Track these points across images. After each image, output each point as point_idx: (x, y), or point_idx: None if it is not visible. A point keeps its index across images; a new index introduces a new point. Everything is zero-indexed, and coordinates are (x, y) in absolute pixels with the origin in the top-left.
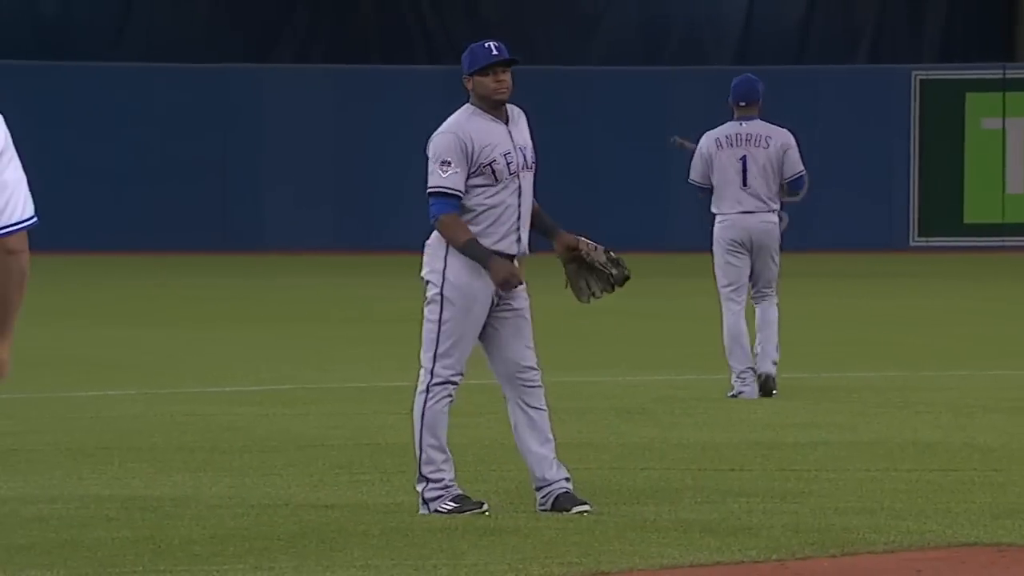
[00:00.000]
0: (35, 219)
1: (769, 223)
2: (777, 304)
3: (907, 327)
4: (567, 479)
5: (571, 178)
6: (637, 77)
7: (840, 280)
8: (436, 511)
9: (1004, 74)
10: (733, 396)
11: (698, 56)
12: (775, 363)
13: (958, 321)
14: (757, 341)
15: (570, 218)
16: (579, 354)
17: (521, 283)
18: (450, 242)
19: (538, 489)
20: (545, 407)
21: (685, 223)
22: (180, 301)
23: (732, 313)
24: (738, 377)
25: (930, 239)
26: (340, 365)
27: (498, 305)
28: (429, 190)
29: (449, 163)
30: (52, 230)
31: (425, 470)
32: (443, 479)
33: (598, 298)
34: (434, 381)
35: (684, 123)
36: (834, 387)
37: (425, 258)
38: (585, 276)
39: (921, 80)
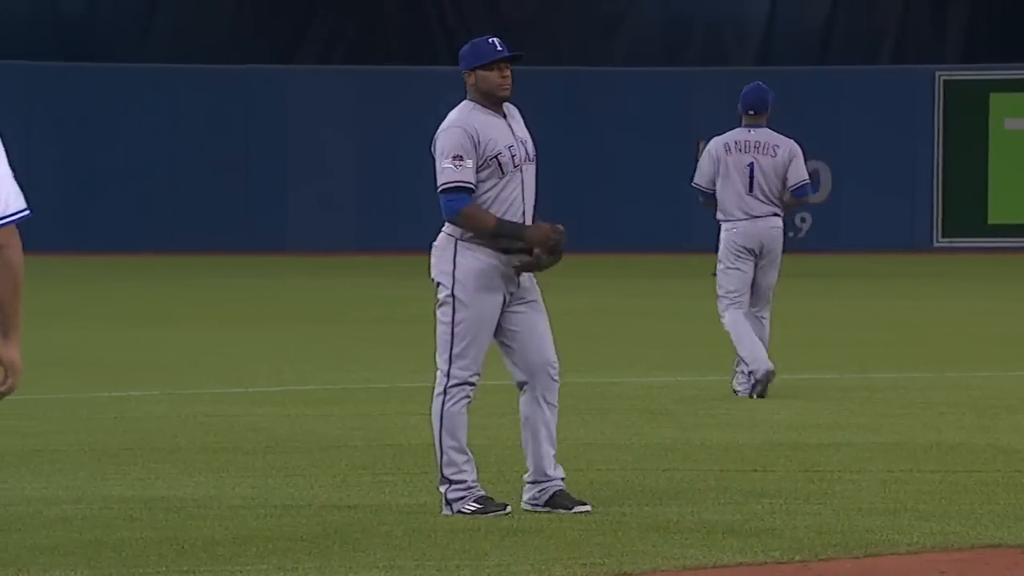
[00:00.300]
0: (26, 211)
1: (776, 228)
2: (770, 312)
3: (930, 328)
4: (563, 479)
5: (593, 178)
6: (659, 78)
7: (863, 281)
8: (459, 512)
9: None
10: (744, 392)
11: (720, 57)
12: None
13: (981, 322)
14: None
15: (591, 218)
16: (602, 355)
17: (561, 238)
18: (479, 231)
19: (534, 483)
20: (557, 404)
21: (707, 224)
22: (203, 302)
23: (735, 314)
24: (742, 373)
25: (954, 240)
26: (362, 366)
27: (510, 302)
28: (443, 186)
29: (460, 157)
30: (75, 231)
31: (447, 472)
32: (465, 480)
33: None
34: (451, 383)
35: (706, 124)
36: (857, 388)
37: (433, 259)
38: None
39: (945, 80)
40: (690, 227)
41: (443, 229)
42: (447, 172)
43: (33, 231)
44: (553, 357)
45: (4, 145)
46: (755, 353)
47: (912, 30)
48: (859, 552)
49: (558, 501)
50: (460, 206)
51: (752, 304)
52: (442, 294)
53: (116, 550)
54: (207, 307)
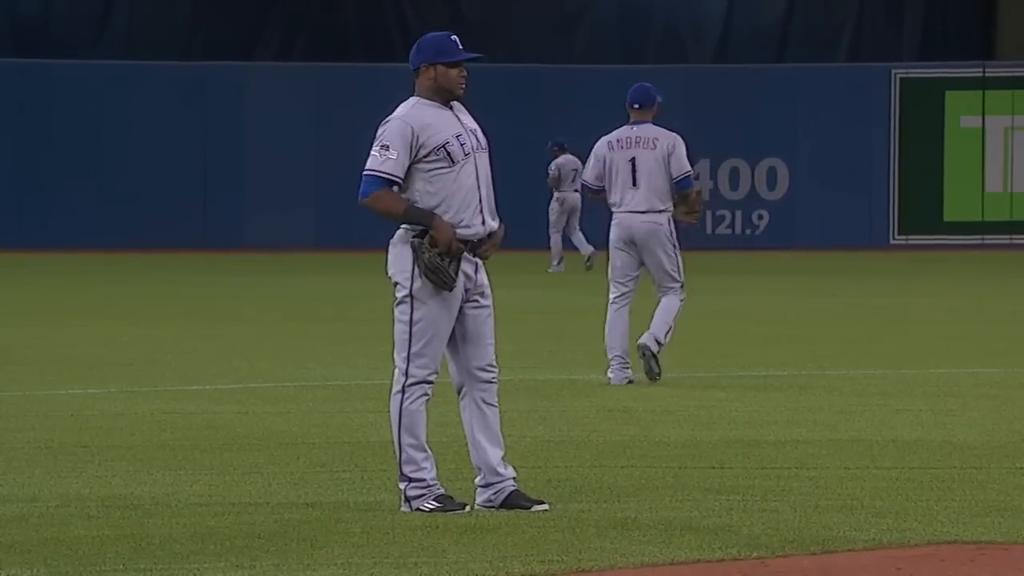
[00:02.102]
0: None
1: (653, 223)
2: (681, 298)
3: (887, 325)
4: (515, 478)
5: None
6: (617, 75)
7: (820, 278)
8: (418, 509)
9: (983, 72)
10: (610, 382)
11: (678, 54)
12: (658, 341)
13: (938, 319)
14: (650, 325)
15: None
16: (560, 353)
17: (462, 249)
18: (388, 214)
19: (487, 486)
20: (497, 404)
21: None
22: (160, 299)
23: (613, 305)
24: (611, 362)
25: (910, 237)
26: (320, 363)
27: (468, 300)
28: (364, 171)
29: (388, 147)
30: (32, 228)
31: (406, 469)
32: (425, 479)
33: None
34: (409, 381)
35: (664, 121)
36: (814, 385)
37: (391, 257)
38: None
39: (901, 78)
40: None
41: (401, 224)
42: (372, 159)
43: None
44: (492, 359)
45: None
46: (615, 341)
47: (868, 28)
48: (816, 548)
49: (514, 501)
50: (371, 189)
51: (657, 289)
52: (400, 293)
53: (73, 548)
54: (164, 304)
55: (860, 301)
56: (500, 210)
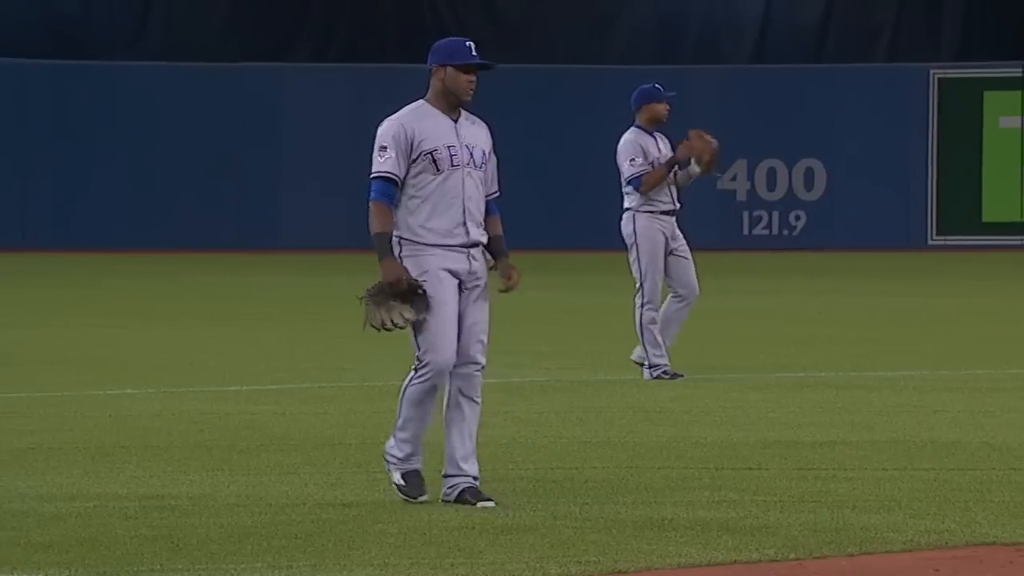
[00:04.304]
0: None
1: (623, 221)
2: (639, 304)
3: (925, 326)
4: (476, 478)
5: (586, 176)
6: (654, 76)
7: (858, 279)
8: (389, 472)
9: (1022, 72)
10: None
11: (715, 55)
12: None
13: (976, 320)
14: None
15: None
16: (597, 353)
17: (405, 288)
18: (371, 224)
19: (446, 476)
20: (479, 400)
21: (697, 222)
22: (197, 299)
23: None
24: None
25: (948, 238)
26: (357, 363)
27: (465, 289)
28: (371, 175)
29: (385, 148)
30: (68, 228)
31: (399, 434)
32: (405, 451)
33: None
34: (420, 365)
35: (700, 122)
36: (852, 386)
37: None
38: (387, 308)
39: (939, 79)
40: (685, 225)
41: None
42: (374, 163)
43: (27, 229)
44: (478, 353)
45: None
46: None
47: (907, 28)
48: (854, 550)
49: (463, 497)
50: (374, 197)
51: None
52: None
53: (110, 548)
54: (202, 305)
55: (898, 302)
56: (535, 210)
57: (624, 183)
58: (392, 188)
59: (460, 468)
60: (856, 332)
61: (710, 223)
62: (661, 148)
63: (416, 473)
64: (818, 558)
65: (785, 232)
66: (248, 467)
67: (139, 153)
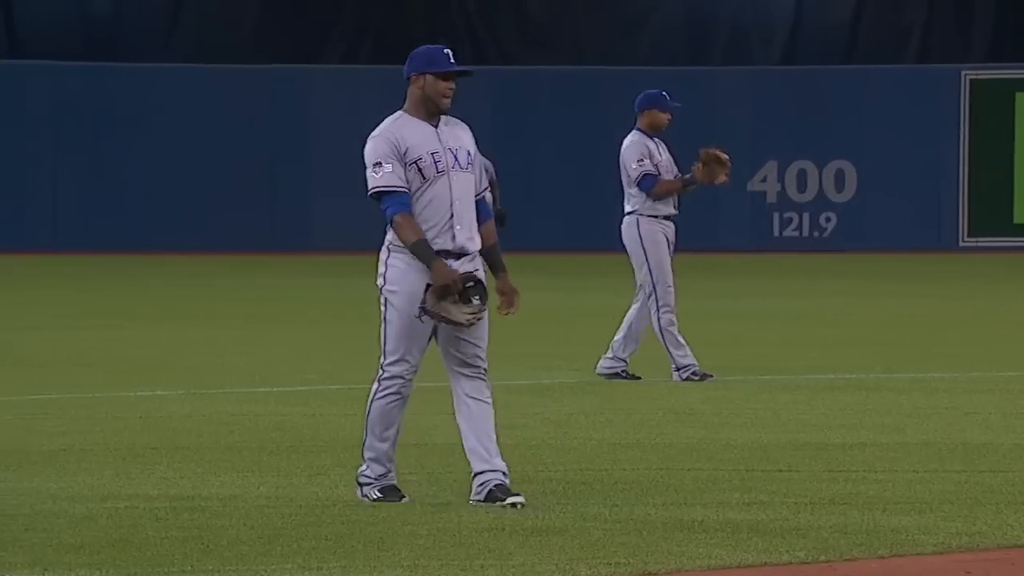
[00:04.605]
0: None
1: (625, 224)
2: (654, 311)
3: (956, 328)
4: (505, 473)
5: (616, 178)
6: (683, 77)
7: (889, 280)
8: (365, 496)
9: None
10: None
11: (745, 56)
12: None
13: (1007, 322)
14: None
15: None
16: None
17: (458, 294)
18: (402, 240)
19: (476, 475)
20: (489, 400)
21: (728, 224)
22: (228, 301)
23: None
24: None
25: (979, 239)
26: None
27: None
28: (369, 192)
29: (380, 164)
30: (98, 230)
31: (365, 454)
32: (378, 471)
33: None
34: (383, 375)
35: (731, 123)
36: (882, 388)
37: (379, 266)
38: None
39: (971, 80)
40: (716, 226)
41: (385, 235)
42: (370, 179)
43: (58, 231)
44: (477, 355)
45: None
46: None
47: (938, 29)
48: (885, 552)
49: (492, 496)
50: (392, 212)
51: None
52: (381, 295)
53: (141, 549)
54: (232, 307)
55: (929, 303)
56: (565, 212)
57: (631, 183)
58: (405, 197)
59: (489, 462)
60: (886, 334)
61: (741, 225)
62: (661, 153)
63: (392, 487)
64: (848, 560)
65: (816, 234)
66: (278, 468)
67: (170, 155)
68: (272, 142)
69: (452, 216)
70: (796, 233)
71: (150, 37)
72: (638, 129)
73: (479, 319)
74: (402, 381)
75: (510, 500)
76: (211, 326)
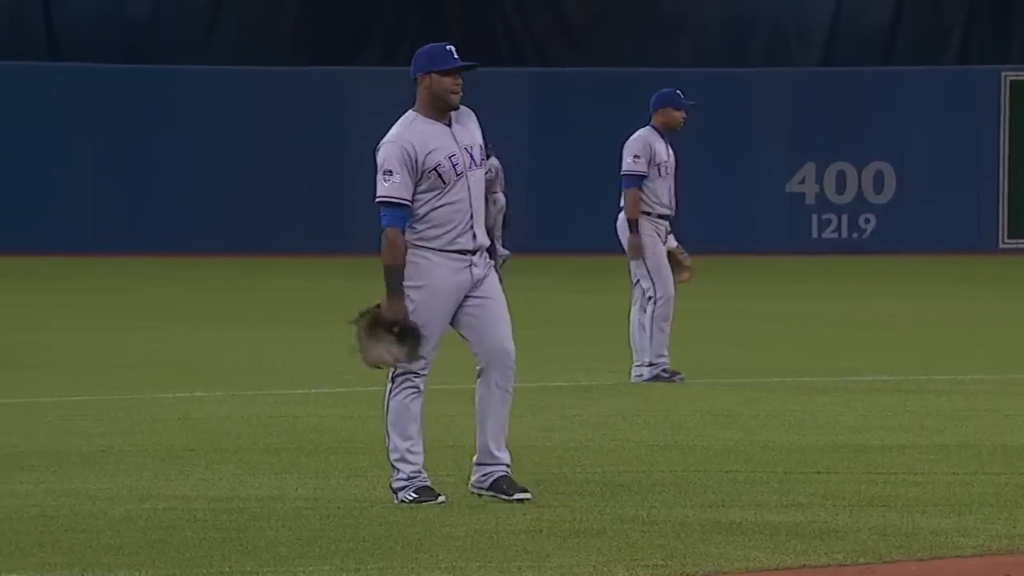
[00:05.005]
0: None
1: (619, 220)
2: (650, 304)
3: (996, 330)
4: (508, 465)
5: None
6: (722, 78)
7: (928, 282)
8: (402, 501)
9: None
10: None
11: (784, 57)
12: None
13: None
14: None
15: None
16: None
17: (402, 328)
18: (384, 254)
19: (479, 465)
20: (511, 390)
21: (766, 225)
22: (267, 303)
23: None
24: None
25: (1020, 241)
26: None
27: (471, 297)
28: (376, 199)
29: (391, 172)
30: (139, 232)
31: (391, 457)
32: (406, 470)
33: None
34: (396, 372)
35: (769, 124)
36: (921, 389)
37: None
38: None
39: (1011, 80)
40: (754, 228)
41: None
42: (379, 187)
43: (97, 232)
44: (509, 346)
45: None
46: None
47: (977, 30)
48: (924, 554)
49: (499, 486)
50: (386, 224)
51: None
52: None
53: (179, 550)
54: (271, 308)
55: (968, 305)
56: (604, 213)
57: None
58: (406, 213)
59: (494, 456)
60: (926, 336)
61: (779, 226)
62: (669, 153)
63: (427, 487)
64: (888, 562)
65: (855, 235)
66: (316, 470)
67: (209, 157)
68: (310, 144)
69: (472, 216)
70: (835, 235)
71: (188, 39)
72: (651, 126)
73: (394, 365)
74: (417, 377)
75: (517, 496)
76: (250, 328)
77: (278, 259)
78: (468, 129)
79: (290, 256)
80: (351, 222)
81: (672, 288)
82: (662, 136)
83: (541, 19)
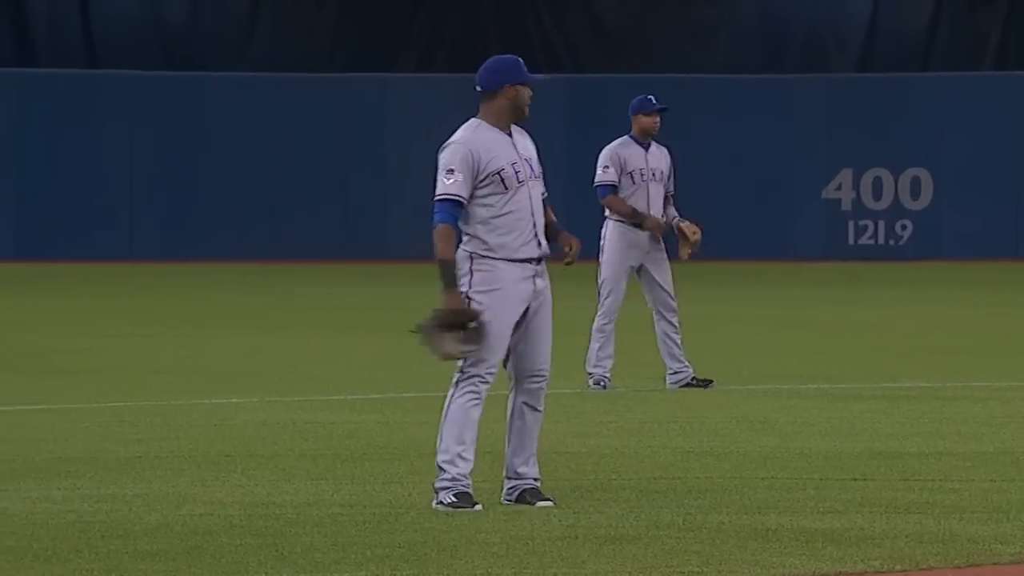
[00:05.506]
0: None
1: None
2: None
3: None
4: (536, 479)
5: (692, 185)
6: (758, 84)
7: (965, 289)
8: (439, 503)
9: None
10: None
11: (820, 64)
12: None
13: None
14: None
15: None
16: (701, 363)
17: (462, 319)
18: (437, 249)
19: (508, 478)
20: (542, 408)
21: (803, 232)
22: (302, 309)
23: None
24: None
25: None
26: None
27: (533, 304)
28: (435, 197)
29: (453, 171)
30: (176, 239)
31: (440, 458)
32: (452, 473)
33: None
34: (462, 377)
35: (805, 130)
36: (959, 396)
37: (457, 275)
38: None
39: None
40: (790, 235)
41: (460, 246)
42: (439, 185)
43: (135, 240)
44: (545, 365)
45: None
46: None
47: (1015, 35)
48: (961, 561)
49: (524, 498)
50: (439, 220)
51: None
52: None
53: (216, 556)
54: (306, 315)
55: (1005, 312)
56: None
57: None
58: (459, 210)
59: (518, 473)
60: (963, 343)
61: (816, 233)
62: (649, 161)
63: (467, 495)
64: (924, 569)
65: (891, 242)
66: (352, 476)
67: (246, 163)
68: (347, 150)
69: (535, 224)
70: (871, 241)
71: (226, 46)
72: (629, 135)
73: (462, 357)
74: (482, 382)
75: (540, 504)
76: (286, 334)
77: (314, 265)
78: (526, 143)
79: (326, 263)
80: (387, 229)
81: (616, 306)
82: (640, 143)
83: (576, 25)
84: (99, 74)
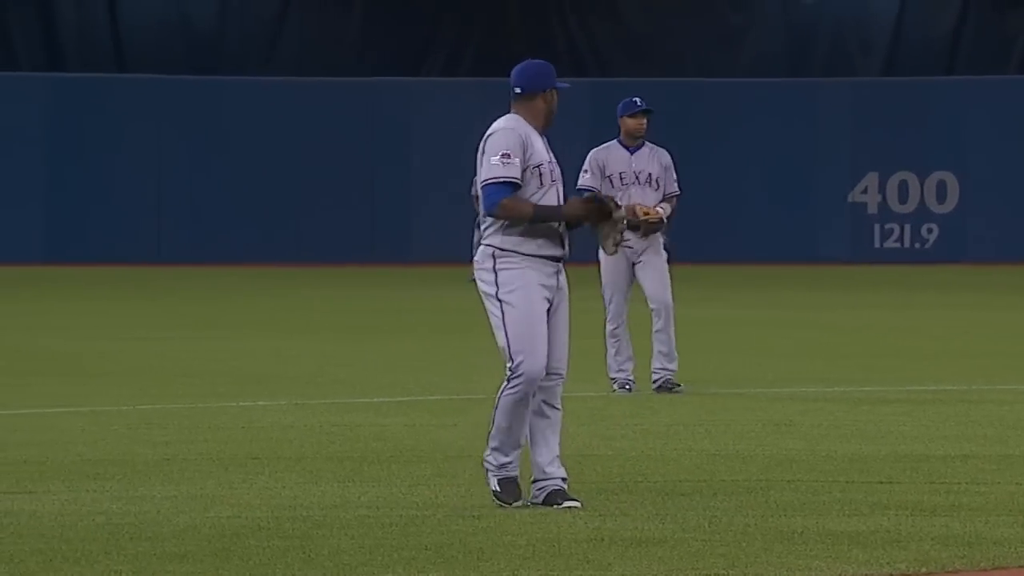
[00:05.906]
0: None
1: None
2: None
3: None
4: (564, 479)
5: (717, 189)
6: (783, 88)
7: (991, 292)
8: (488, 484)
9: None
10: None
11: (846, 67)
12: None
13: None
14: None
15: (714, 228)
16: (726, 367)
17: (599, 205)
18: (519, 218)
19: (535, 481)
20: (560, 407)
21: (828, 235)
22: (329, 313)
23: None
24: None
25: None
26: (486, 375)
27: (552, 304)
28: (487, 181)
29: (508, 155)
30: (202, 242)
31: (491, 442)
32: (496, 459)
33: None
34: (512, 375)
35: (831, 134)
36: (984, 399)
37: (477, 273)
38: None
39: None
40: (816, 238)
41: (482, 243)
42: (494, 168)
43: (162, 243)
44: (562, 364)
45: None
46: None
47: None
48: (986, 564)
49: (551, 499)
50: (499, 198)
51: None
52: (490, 303)
53: (243, 559)
54: (333, 318)
55: None
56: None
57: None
58: (512, 191)
59: (546, 473)
60: (989, 346)
61: (841, 236)
62: (634, 164)
63: (512, 480)
64: (950, 572)
65: (917, 245)
66: (379, 478)
67: (272, 167)
68: (373, 154)
69: (560, 226)
70: (897, 244)
71: (253, 51)
72: (617, 139)
73: (623, 235)
74: (531, 377)
75: (567, 504)
76: (312, 337)
77: (341, 269)
78: (550, 148)
79: (352, 266)
80: (412, 232)
81: (621, 309)
82: (627, 148)
83: (602, 30)
84: (127, 78)
